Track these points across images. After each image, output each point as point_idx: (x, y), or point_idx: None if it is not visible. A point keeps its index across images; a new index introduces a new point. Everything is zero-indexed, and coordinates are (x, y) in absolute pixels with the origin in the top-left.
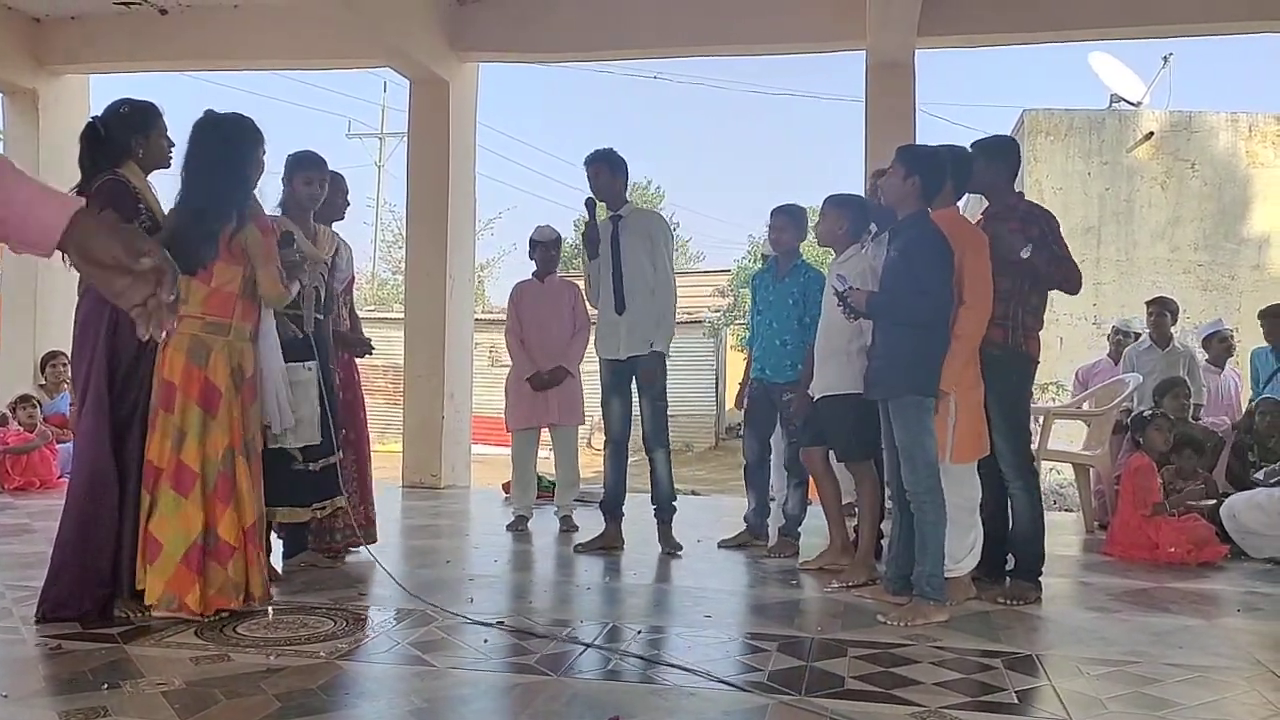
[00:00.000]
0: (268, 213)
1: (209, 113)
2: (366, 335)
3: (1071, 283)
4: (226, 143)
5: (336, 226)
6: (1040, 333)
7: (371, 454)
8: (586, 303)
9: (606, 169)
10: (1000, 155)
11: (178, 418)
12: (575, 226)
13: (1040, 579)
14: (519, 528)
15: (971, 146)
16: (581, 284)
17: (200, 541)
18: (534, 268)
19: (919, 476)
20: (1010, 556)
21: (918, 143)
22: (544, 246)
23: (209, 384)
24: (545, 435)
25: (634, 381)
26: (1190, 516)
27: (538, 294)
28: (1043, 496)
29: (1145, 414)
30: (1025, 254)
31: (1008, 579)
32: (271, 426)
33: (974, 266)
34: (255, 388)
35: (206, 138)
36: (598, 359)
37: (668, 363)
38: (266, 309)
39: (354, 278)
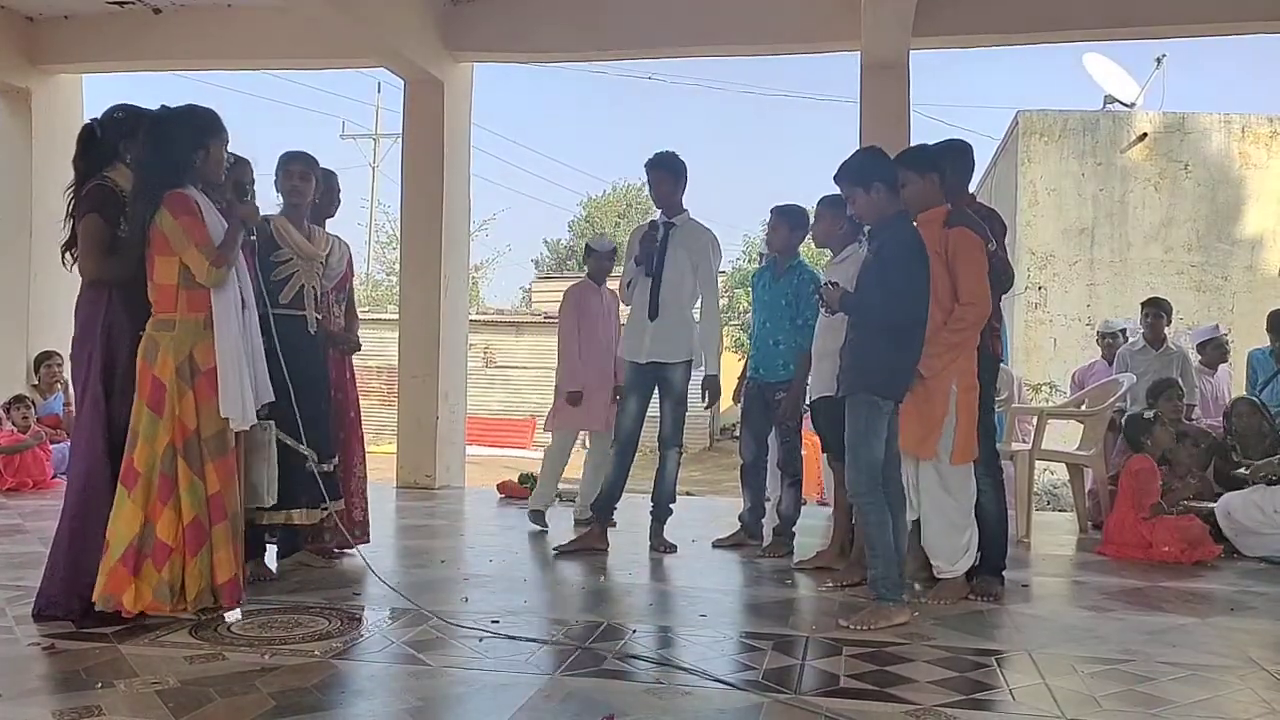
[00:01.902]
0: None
1: (161, 109)
2: (359, 335)
3: (1007, 282)
4: (166, 137)
5: (328, 224)
6: (1001, 328)
7: (366, 455)
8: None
9: (669, 176)
10: (960, 158)
11: (133, 417)
12: (569, 227)
13: (1004, 574)
14: (541, 523)
15: None
16: (615, 285)
17: (137, 542)
18: (586, 273)
19: (860, 478)
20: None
21: (854, 156)
22: (599, 256)
23: (156, 382)
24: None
25: (655, 388)
26: (1186, 516)
27: (596, 300)
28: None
29: (1146, 416)
30: (991, 247)
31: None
32: (230, 421)
33: (963, 263)
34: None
35: (150, 134)
36: (624, 360)
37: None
38: (220, 295)
39: (349, 274)
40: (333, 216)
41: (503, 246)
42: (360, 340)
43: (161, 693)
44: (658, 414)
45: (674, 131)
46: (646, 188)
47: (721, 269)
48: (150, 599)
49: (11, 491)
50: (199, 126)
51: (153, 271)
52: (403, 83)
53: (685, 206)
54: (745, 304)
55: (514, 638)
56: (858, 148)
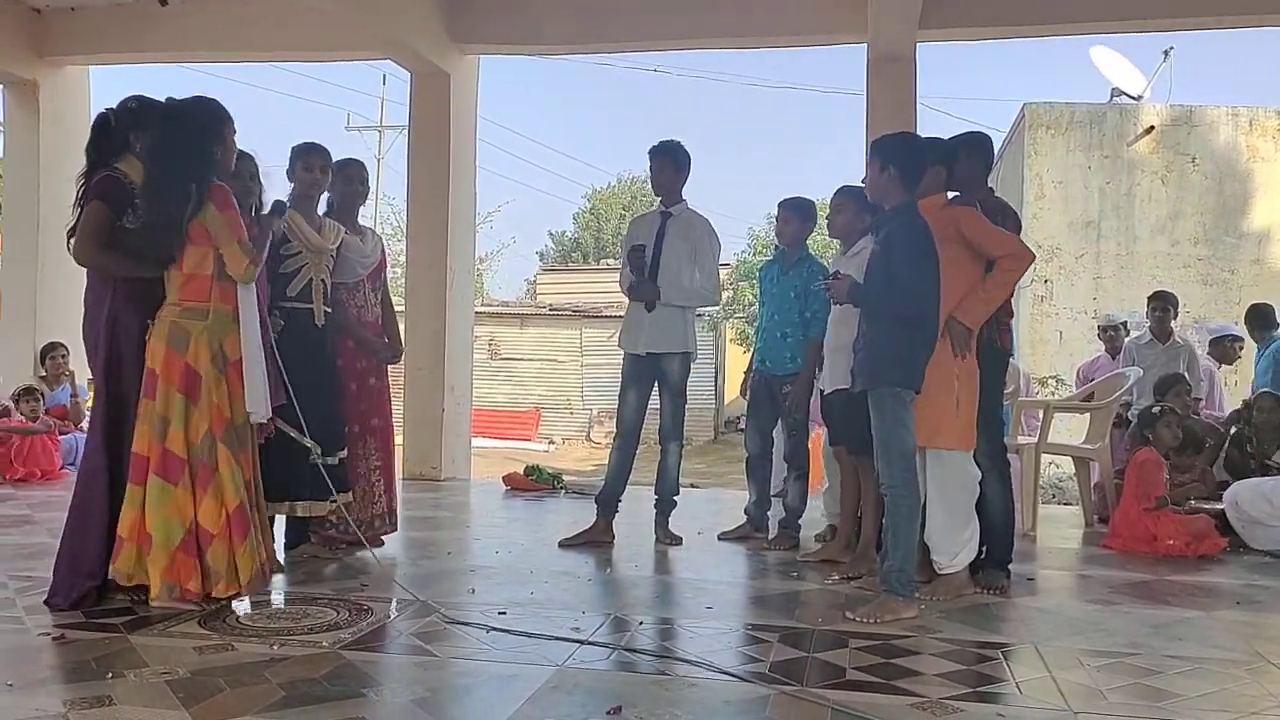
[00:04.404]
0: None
1: (168, 100)
2: (398, 330)
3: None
4: (183, 129)
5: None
6: (1011, 323)
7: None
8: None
9: (671, 164)
10: (975, 150)
11: (160, 405)
12: (574, 219)
13: (1009, 567)
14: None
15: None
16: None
17: (194, 528)
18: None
19: (894, 470)
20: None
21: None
22: None
23: (190, 370)
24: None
25: (655, 378)
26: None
27: None
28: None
29: (1154, 410)
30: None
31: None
32: (252, 415)
33: (977, 232)
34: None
35: (164, 126)
36: (621, 351)
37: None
38: (245, 290)
39: (384, 264)
40: (364, 203)
41: (507, 238)
42: (400, 347)
43: (172, 683)
44: (658, 407)
45: (679, 124)
46: (649, 176)
47: (726, 262)
48: (200, 584)
49: (20, 482)
50: (214, 118)
51: (181, 261)
52: (409, 75)
53: (684, 197)
54: (750, 297)
55: (521, 628)
56: (868, 140)
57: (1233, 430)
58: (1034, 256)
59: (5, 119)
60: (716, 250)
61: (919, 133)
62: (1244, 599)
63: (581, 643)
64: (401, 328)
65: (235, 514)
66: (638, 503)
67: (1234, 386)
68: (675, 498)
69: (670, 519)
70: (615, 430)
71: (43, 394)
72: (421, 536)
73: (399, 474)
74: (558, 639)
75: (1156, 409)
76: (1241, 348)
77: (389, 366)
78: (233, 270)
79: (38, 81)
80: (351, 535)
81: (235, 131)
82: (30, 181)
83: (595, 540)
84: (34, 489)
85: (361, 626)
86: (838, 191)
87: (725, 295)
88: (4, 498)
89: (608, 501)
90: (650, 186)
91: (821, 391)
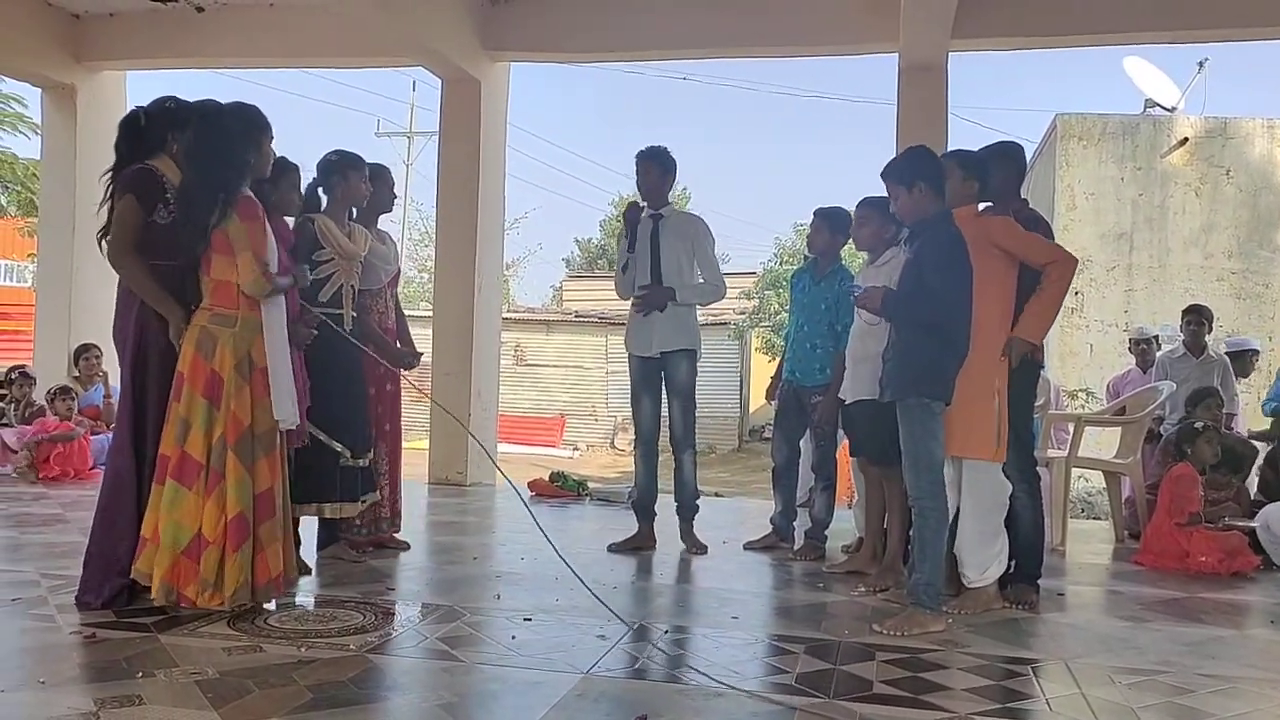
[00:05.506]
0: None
1: (209, 103)
2: (413, 338)
3: None
4: (219, 133)
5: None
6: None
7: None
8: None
9: (657, 168)
10: (1007, 160)
11: (184, 408)
12: (601, 226)
13: (1039, 582)
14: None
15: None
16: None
17: (201, 533)
18: None
19: (922, 482)
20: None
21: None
22: None
23: (215, 375)
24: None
25: (663, 380)
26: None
27: None
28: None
29: (1196, 425)
30: None
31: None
32: (281, 422)
33: (1016, 242)
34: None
35: (203, 128)
36: (627, 355)
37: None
38: (273, 300)
39: (399, 272)
40: (389, 212)
41: (534, 245)
42: (418, 352)
43: (201, 683)
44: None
45: (707, 132)
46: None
47: (752, 271)
48: (196, 592)
49: (53, 481)
50: (252, 124)
51: (209, 267)
52: (440, 82)
53: (670, 200)
54: (776, 306)
55: (546, 635)
56: (898, 150)
57: (1266, 448)
58: (1077, 260)
59: (43, 123)
60: (713, 243)
61: (950, 143)
62: (1278, 618)
63: (610, 647)
64: (429, 333)
65: (233, 522)
66: (660, 511)
67: None
68: (696, 504)
69: (694, 527)
70: (635, 438)
71: (76, 394)
72: (447, 541)
73: (426, 478)
74: (583, 645)
75: (1199, 424)
76: (1257, 361)
77: (405, 371)
78: (241, 279)
79: (75, 86)
80: (374, 537)
81: (273, 139)
82: (66, 185)
83: (642, 546)
84: (66, 488)
85: (388, 630)
86: (861, 203)
87: (751, 304)
88: (37, 496)
89: (646, 508)
90: (637, 185)
91: (843, 401)
